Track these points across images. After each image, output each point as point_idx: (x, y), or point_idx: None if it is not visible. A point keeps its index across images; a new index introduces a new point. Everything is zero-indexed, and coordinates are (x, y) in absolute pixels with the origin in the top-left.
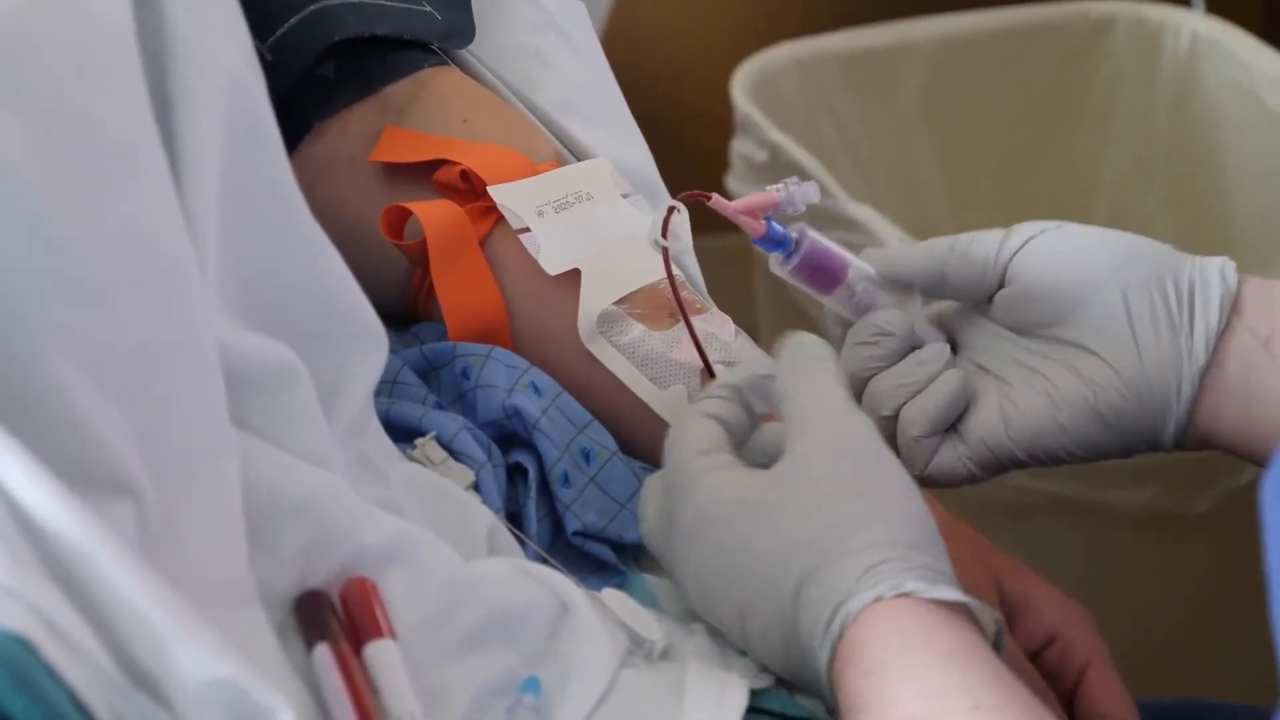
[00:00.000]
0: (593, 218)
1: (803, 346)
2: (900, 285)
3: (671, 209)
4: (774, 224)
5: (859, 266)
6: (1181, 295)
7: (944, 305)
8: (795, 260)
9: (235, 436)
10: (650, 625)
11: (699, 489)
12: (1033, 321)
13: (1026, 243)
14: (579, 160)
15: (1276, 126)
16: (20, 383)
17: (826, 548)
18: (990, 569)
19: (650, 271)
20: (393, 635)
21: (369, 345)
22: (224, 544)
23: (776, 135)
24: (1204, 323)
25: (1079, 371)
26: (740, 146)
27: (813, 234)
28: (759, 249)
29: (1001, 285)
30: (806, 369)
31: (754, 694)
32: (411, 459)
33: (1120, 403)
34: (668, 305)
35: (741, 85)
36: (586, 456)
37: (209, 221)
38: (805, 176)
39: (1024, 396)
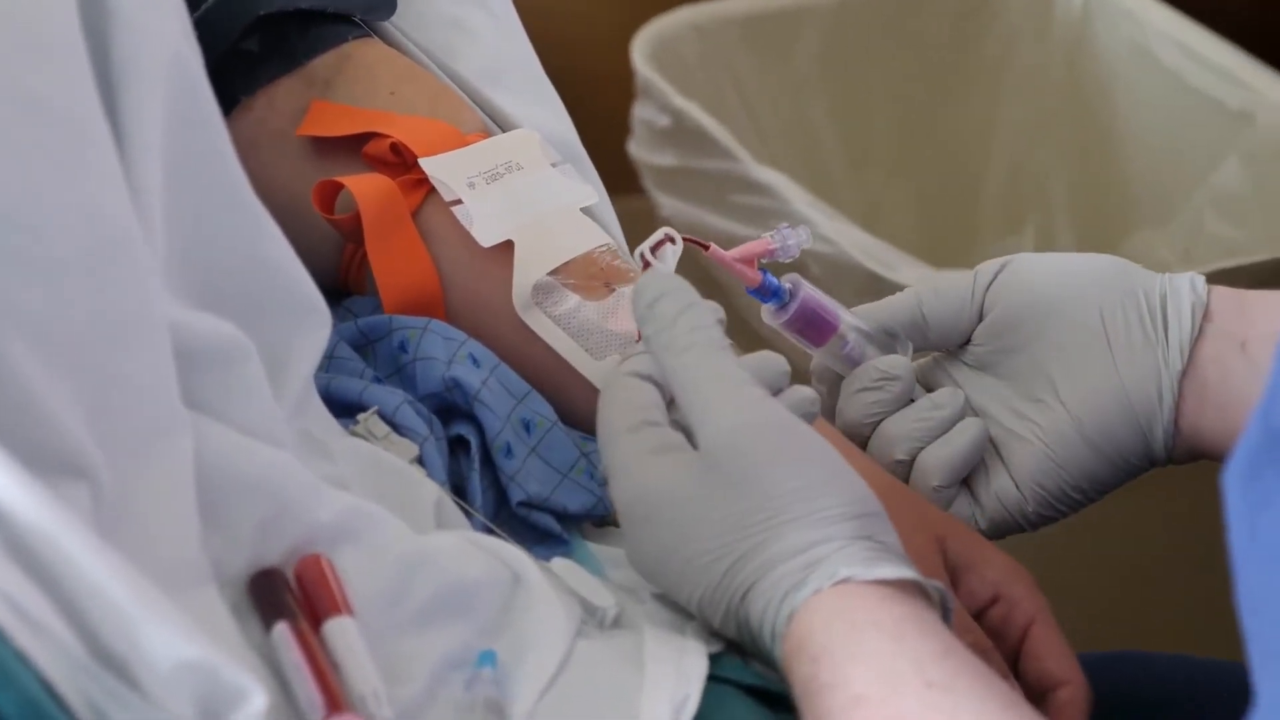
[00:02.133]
0: (524, 188)
1: (660, 304)
2: (888, 334)
3: (668, 237)
4: (769, 275)
5: (848, 319)
6: (1154, 308)
7: (923, 361)
8: (790, 312)
9: (187, 415)
10: (601, 593)
11: (627, 480)
12: (1013, 346)
13: (999, 272)
14: (504, 130)
15: (1171, 83)
16: None
17: (763, 544)
18: (933, 531)
19: (584, 241)
20: (350, 612)
21: (313, 321)
22: (177, 523)
23: (680, 101)
24: (1177, 331)
25: (1065, 405)
26: (642, 112)
27: (808, 286)
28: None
29: (981, 319)
30: (685, 338)
31: (710, 660)
32: (354, 434)
33: (1107, 424)
34: (602, 274)
35: (641, 50)
36: (527, 427)
37: (154, 198)
38: (710, 140)
39: (1018, 448)
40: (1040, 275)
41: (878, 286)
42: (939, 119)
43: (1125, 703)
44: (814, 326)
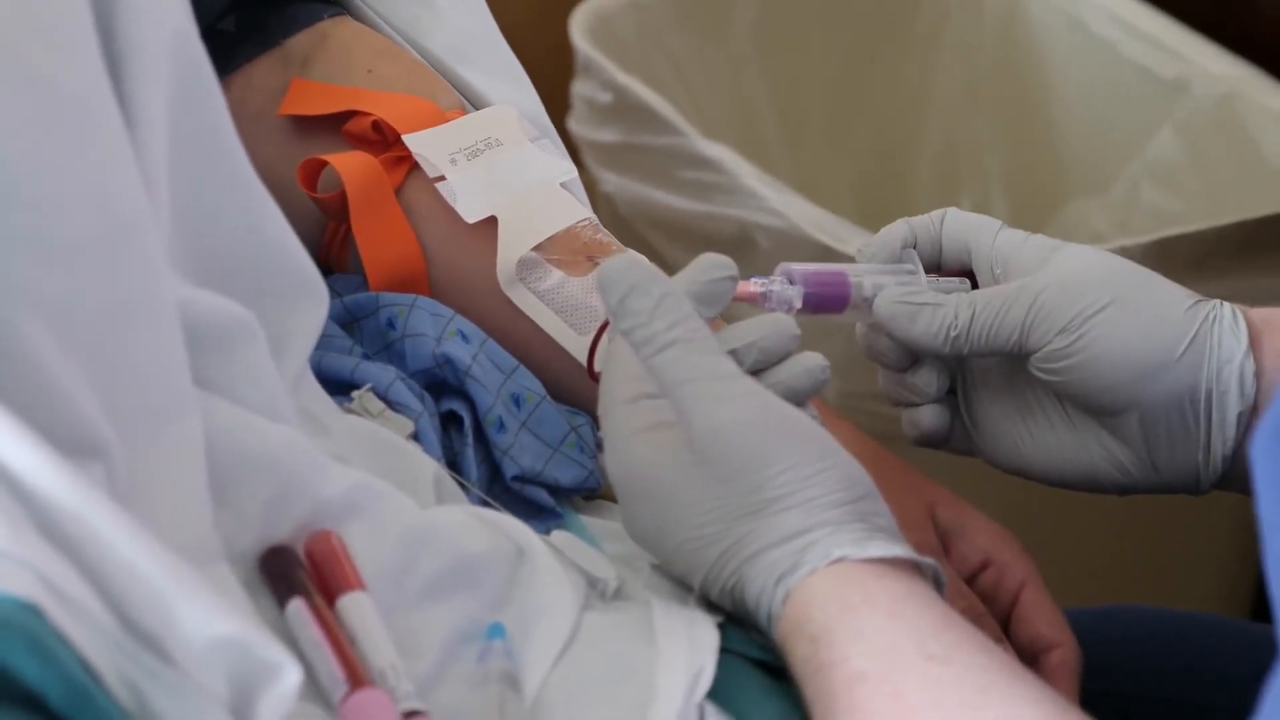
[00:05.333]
0: (505, 164)
1: (631, 299)
2: (901, 262)
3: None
4: (760, 286)
5: (856, 278)
6: (1198, 410)
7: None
8: (798, 304)
9: (196, 394)
10: (602, 565)
11: (621, 456)
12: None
13: (1068, 337)
14: (476, 107)
15: (1104, 53)
16: None
17: (753, 533)
18: (923, 498)
19: (566, 216)
20: (363, 587)
21: (311, 298)
22: (189, 502)
23: (623, 78)
24: (1220, 439)
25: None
26: (582, 88)
27: (799, 271)
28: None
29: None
30: (664, 336)
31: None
32: (350, 411)
33: (1141, 487)
34: (584, 249)
35: (580, 27)
36: (517, 401)
37: (161, 177)
38: (654, 116)
39: (1042, 431)
40: (1110, 368)
41: (828, 259)
42: (873, 93)
43: (1115, 657)
44: (827, 303)
